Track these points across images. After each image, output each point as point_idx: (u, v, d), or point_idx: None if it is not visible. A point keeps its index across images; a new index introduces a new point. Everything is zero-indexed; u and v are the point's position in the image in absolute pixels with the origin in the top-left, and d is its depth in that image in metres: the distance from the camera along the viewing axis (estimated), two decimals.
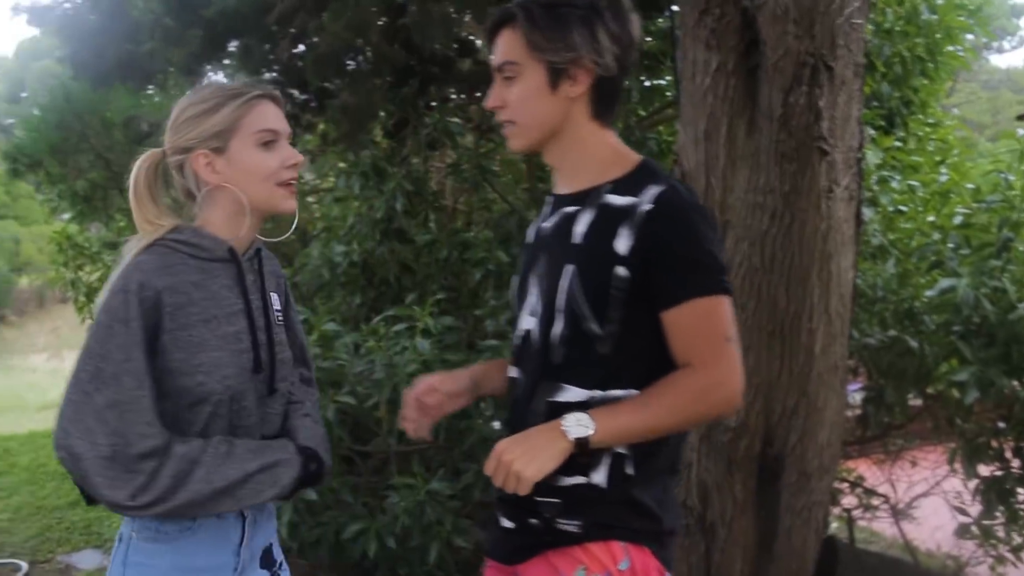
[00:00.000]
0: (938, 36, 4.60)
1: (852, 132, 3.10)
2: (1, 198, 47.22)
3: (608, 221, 1.86)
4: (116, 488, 1.77)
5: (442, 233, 4.93)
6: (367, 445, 4.56)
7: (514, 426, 1.97)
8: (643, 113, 5.81)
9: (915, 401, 4.25)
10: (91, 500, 1.90)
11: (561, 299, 1.90)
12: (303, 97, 5.73)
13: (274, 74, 5.54)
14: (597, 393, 1.87)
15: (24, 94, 51.99)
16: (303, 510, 3.99)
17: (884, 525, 5.22)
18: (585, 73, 1.90)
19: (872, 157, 4.20)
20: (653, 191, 1.84)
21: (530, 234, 2.16)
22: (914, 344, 3.75)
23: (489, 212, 6.14)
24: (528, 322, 2.02)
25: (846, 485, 4.83)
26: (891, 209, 4.43)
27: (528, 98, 1.93)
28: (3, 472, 8.71)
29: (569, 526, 1.89)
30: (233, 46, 5.38)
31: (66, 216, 9.32)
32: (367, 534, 3.88)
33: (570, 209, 1.96)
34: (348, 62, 4.65)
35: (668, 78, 5.97)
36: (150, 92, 6.77)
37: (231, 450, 1.88)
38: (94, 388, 1.79)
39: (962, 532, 4.13)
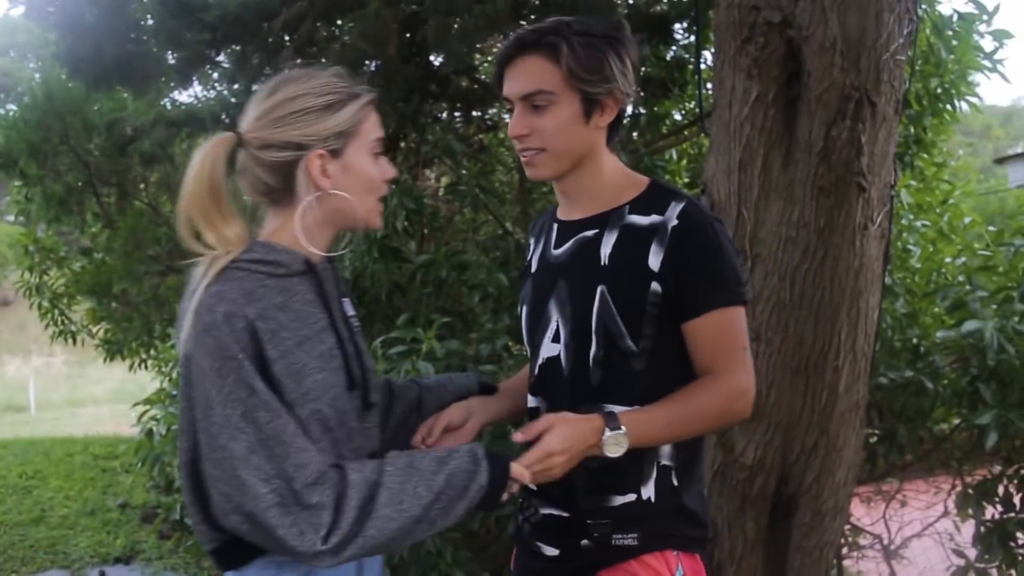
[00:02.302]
0: (953, 76, 4.63)
1: (888, 169, 3.06)
2: None
3: (636, 240, 1.92)
4: (302, 534, 1.59)
5: (440, 253, 4.83)
6: None
7: None
8: (642, 140, 5.78)
9: None
10: (232, 563, 1.77)
11: (595, 321, 1.93)
12: None
13: None
14: (637, 408, 1.90)
15: None
16: None
17: (871, 565, 5.18)
18: (614, 102, 1.95)
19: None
20: (677, 207, 1.91)
21: (533, 263, 2.16)
22: (929, 385, 3.73)
23: (477, 234, 6.08)
24: (551, 349, 2.02)
25: None
26: (900, 248, 4.42)
27: (563, 128, 1.93)
28: None
29: (626, 540, 1.93)
30: (226, 53, 5.26)
31: (10, 218, 9.12)
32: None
33: (589, 233, 2.00)
34: (359, 74, 4.56)
35: (665, 104, 5.97)
36: (125, 95, 6.67)
37: (411, 463, 1.70)
38: (228, 439, 1.61)
39: (961, 575, 4.09)
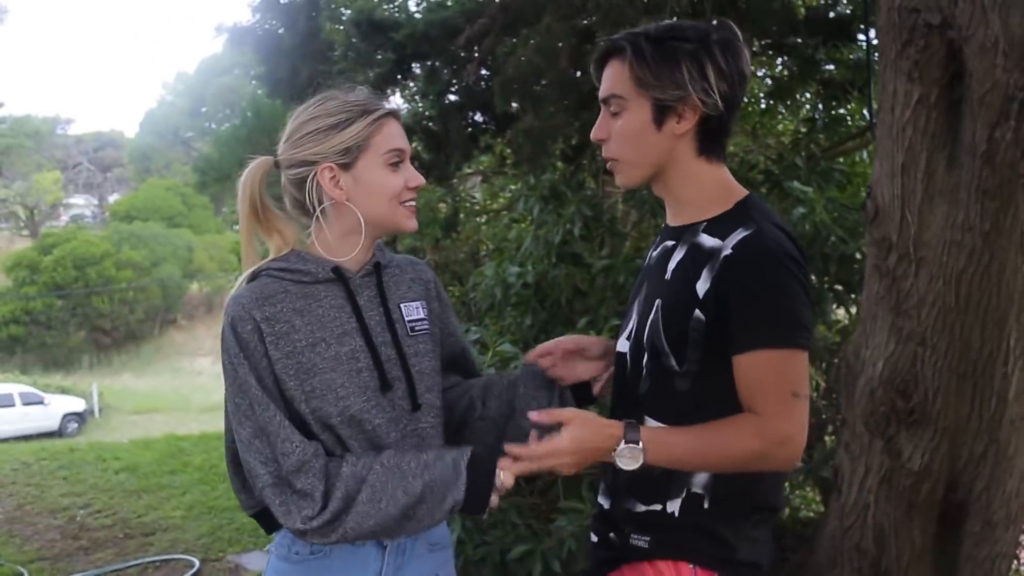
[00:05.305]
0: None
1: None
2: (178, 207, 49.66)
3: (695, 262, 1.86)
4: (289, 512, 1.81)
5: (618, 258, 4.91)
6: None
7: None
8: (827, 143, 5.70)
9: None
10: (269, 528, 1.99)
11: (647, 333, 1.92)
12: (483, 119, 5.83)
13: (456, 96, 5.67)
14: (663, 428, 1.89)
15: (204, 108, 54.69)
16: (471, 528, 4.03)
17: None
18: (692, 111, 1.88)
19: None
20: (738, 235, 1.83)
21: (645, 261, 2.16)
22: None
23: None
24: (623, 345, 2.04)
25: (1023, 538, 4.62)
26: None
27: (632, 135, 1.92)
28: (177, 471, 9.12)
29: (639, 541, 1.94)
30: (419, 68, 5.52)
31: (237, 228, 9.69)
32: (532, 556, 3.89)
33: (670, 243, 1.97)
34: (535, 86, 4.71)
35: (850, 107, 5.89)
36: None
37: (399, 464, 1.86)
38: (237, 423, 1.86)
39: None
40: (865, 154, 5.97)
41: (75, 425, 26.36)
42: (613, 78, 1.91)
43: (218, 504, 7.46)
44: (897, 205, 3.05)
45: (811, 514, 5.21)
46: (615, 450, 1.79)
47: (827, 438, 4.81)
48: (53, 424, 25.48)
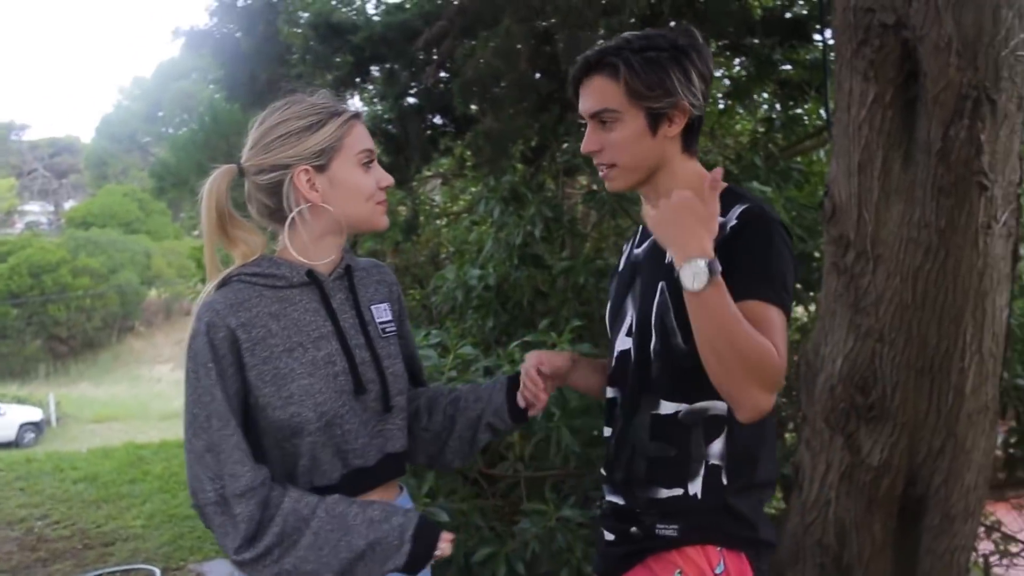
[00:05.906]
0: None
1: (1012, 167, 3.01)
2: (135, 213, 49.22)
3: None
4: (226, 535, 1.79)
5: (579, 259, 4.93)
6: (494, 468, 4.58)
7: (619, 441, 2.10)
8: (785, 142, 5.75)
9: None
10: None
11: (654, 315, 2.00)
12: (442, 122, 5.83)
13: (415, 99, 5.66)
14: (683, 407, 1.98)
15: (161, 113, 54.24)
16: None
17: (1021, 573, 5.02)
18: (681, 114, 2.01)
19: None
20: (739, 208, 1.95)
21: (621, 261, 2.26)
22: None
23: (622, 239, 6.15)
24: (624, 342, 2.11)
25: (982, 529, 4.67)
26: None
27: (629, 143, 2.02)
28: (137, 480, 9.05)
29: (667, 531, 2.00)
30: (377, 71, 5.51)
31: (196, 233, 9.63)
32: (496, 558, 3.89)
33: None
34: (494, 88, 4.71)
35: (807, 107, 5.94)
36: None
37: (345, 515, 1.84)
38: (192, 434, 1.82)
39: None
40: (823, 153, 6.02)
41: (32, 435, 26.03)
42: (602, 93, 2.01)
43: (179, 512, 7.41)
44: (854, 203, 3.08)
45: (773, 511, 5.24)
46: (692, 254, 1.73)
47: (788, 435, 4.85)
48: (9, 435, 25.17)
